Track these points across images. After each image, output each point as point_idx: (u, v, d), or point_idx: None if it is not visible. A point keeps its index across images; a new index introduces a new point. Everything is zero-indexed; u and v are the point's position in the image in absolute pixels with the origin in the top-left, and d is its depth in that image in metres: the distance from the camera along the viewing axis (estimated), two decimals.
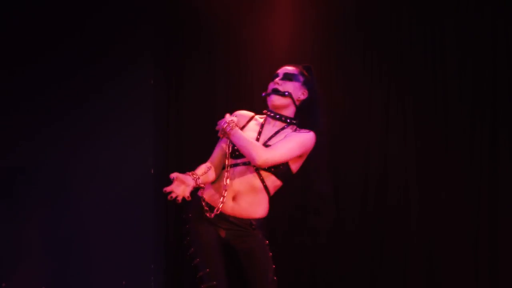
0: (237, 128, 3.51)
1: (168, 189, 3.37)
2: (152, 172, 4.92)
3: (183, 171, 4.84)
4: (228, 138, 3.52)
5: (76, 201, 4.85)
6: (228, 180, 3.51)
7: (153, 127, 4.97)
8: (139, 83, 4.97)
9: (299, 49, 4.95)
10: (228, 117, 3.56)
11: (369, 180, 4.87)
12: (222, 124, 3.53)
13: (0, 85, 4.77)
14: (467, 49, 4.75)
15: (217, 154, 3.64)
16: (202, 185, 3.49)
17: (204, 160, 4.79)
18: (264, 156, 3.43)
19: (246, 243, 3.55)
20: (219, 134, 3.54)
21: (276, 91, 3.59)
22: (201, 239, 3.55)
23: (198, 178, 3.46)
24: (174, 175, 3.40)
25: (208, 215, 3.47)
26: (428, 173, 4.80)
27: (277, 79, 3.62)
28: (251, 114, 3.68)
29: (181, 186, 3.38)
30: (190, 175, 3.45)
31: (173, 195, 3.37)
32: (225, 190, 3.50)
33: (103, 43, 4.93)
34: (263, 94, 3.64)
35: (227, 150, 3.56)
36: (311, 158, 3.62)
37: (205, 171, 3.55)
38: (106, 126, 4.91)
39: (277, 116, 3.61)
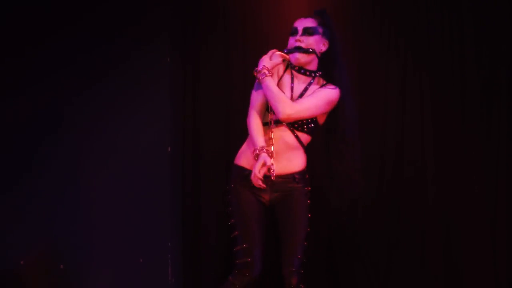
0: (269, 77, 3.60)
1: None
2: (169, 150, 4.94)
3: (199, 148, 4.95)
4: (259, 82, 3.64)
5: (93, 179, 4.87)
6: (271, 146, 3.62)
7: (170, 105, 4.97)
8: (156, 62, 4.96)
9: None
10: (265, 61, 3.64)
11: (386, 159, 4.86)
12: (258, 68, 3.64)
13: (15, 63, 4.81)
14: (485, 21, 4.73)
15: (258, 105, 3.71)
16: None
17: (220, 138, 4.90)
18: (289, 111, 3.53)
19: (287, 202, 3.66)
20: (254, 73, 3.66)
21: (300, 49, 3.64)
22: (242, 211, 3.64)
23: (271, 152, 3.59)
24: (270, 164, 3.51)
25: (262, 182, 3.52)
26: (445, 147, 4.79)
27: (298, 36, 3.66)
28: (286, 59, 3.71)
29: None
30: (267, 153, 3.55)
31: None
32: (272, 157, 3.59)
33: (120, 22, 4.93)
34: (285, 50, 3.68)
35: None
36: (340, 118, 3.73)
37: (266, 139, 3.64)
38: (123, 104, 4.91)
39: (302, 71, 3.68)
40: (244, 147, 3.76)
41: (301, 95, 3.65)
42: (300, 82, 3.70)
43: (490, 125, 4.74)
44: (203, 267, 4.94)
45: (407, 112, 4.84)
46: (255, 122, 3.64)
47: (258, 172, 3.48)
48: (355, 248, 4.88)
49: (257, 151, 3.52)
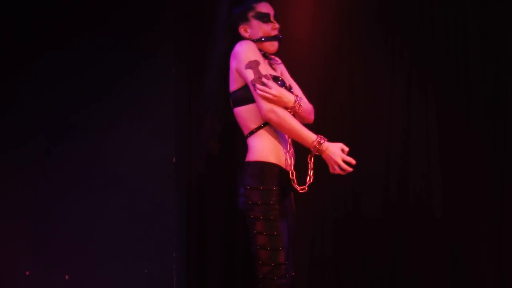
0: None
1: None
2: (174, 160, 4.94)
3: (204, 159, 4.94)
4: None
5: (98, 190, 4.86)
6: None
7: (175, 115, 4.98)
8: (161, 73, 4.97)
9: (320, 36, 4.97)
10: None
11: (391, 168, 4.87)
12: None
13: (22, 76, 4.82)
14: (490, 33, 4.76)
15: None
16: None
17: (225, 149, 4.89)
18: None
19: (291, 210, 3.40)
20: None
21: (280, 38, 3.48)
22: (283, 218, 3.26)
23: None
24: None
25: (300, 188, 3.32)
26: (451, 160, 4.80)
27: (277, 24, 3.47)
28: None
29: None
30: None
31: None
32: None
33: (125, 34, 4.93)
34: (263, 38, 3.42)
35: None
36: None
37: None
38: (128, 116, 4.91)
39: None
40: (268, 144, 3.34)
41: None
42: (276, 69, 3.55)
43: (495, 136, 4.75)
44: (208, 278, 4.93)
45: (413, 123, 4.86)
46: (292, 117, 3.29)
47: (343, 157, 3.18)
48: (360, 262, 4.88)
49: (321, 140, 3.22)
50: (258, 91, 3.25)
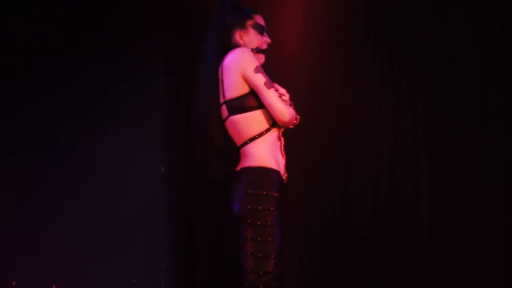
0: None
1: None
2: (162, 170, 4.93)
3: (192, 169, 4.93)
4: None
5: (86, 200, 4.85)
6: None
7: (163, 127, 4.98)
8: (150, 83, 4.98)
9: (309, 47, 4.99)
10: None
11: (380, 177, 4.88)
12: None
13: (13, 87, 4.81)
14: (478, 42, 4.79)
15: None
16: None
17: None
18: None
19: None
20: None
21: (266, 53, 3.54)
22: (280, 225, 3.26)
23: None
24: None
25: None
26: (439, 170, 4.82)
27: (269, 39, 3.52)
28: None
29: None
30: None
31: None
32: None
33: (114, 45, 4.94)
34: (257, 49, 3.47)
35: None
36: None
37: None
38: (117, 126, 4.91)
39: None
40: (268, 151, 3.34)
41: None
42: None
43: (483, 145, 4.78)
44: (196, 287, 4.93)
45: (401, 131, 4.88)
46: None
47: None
48: (349, 270, 4.89)
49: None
50: (282, 96, 3.34)
